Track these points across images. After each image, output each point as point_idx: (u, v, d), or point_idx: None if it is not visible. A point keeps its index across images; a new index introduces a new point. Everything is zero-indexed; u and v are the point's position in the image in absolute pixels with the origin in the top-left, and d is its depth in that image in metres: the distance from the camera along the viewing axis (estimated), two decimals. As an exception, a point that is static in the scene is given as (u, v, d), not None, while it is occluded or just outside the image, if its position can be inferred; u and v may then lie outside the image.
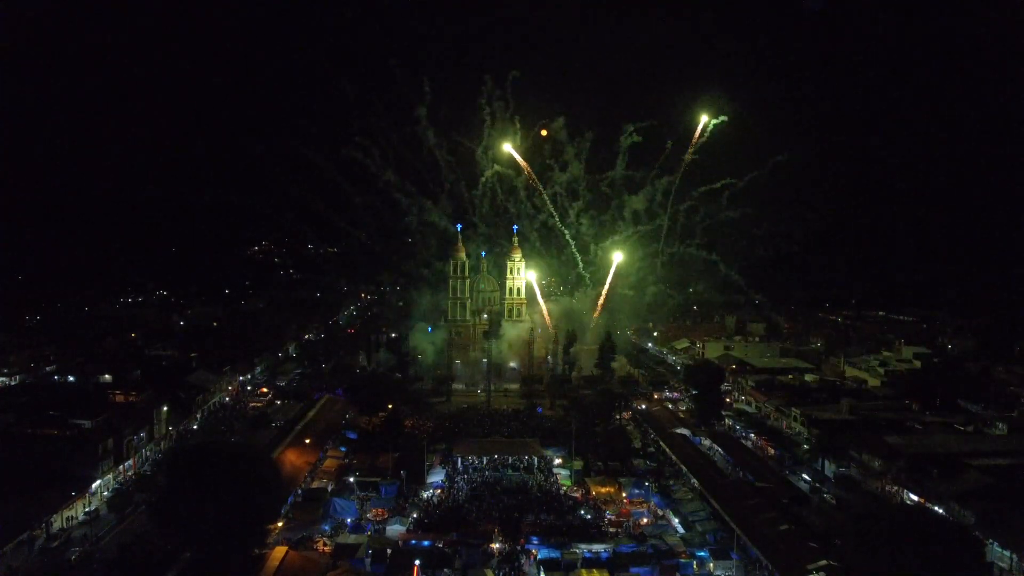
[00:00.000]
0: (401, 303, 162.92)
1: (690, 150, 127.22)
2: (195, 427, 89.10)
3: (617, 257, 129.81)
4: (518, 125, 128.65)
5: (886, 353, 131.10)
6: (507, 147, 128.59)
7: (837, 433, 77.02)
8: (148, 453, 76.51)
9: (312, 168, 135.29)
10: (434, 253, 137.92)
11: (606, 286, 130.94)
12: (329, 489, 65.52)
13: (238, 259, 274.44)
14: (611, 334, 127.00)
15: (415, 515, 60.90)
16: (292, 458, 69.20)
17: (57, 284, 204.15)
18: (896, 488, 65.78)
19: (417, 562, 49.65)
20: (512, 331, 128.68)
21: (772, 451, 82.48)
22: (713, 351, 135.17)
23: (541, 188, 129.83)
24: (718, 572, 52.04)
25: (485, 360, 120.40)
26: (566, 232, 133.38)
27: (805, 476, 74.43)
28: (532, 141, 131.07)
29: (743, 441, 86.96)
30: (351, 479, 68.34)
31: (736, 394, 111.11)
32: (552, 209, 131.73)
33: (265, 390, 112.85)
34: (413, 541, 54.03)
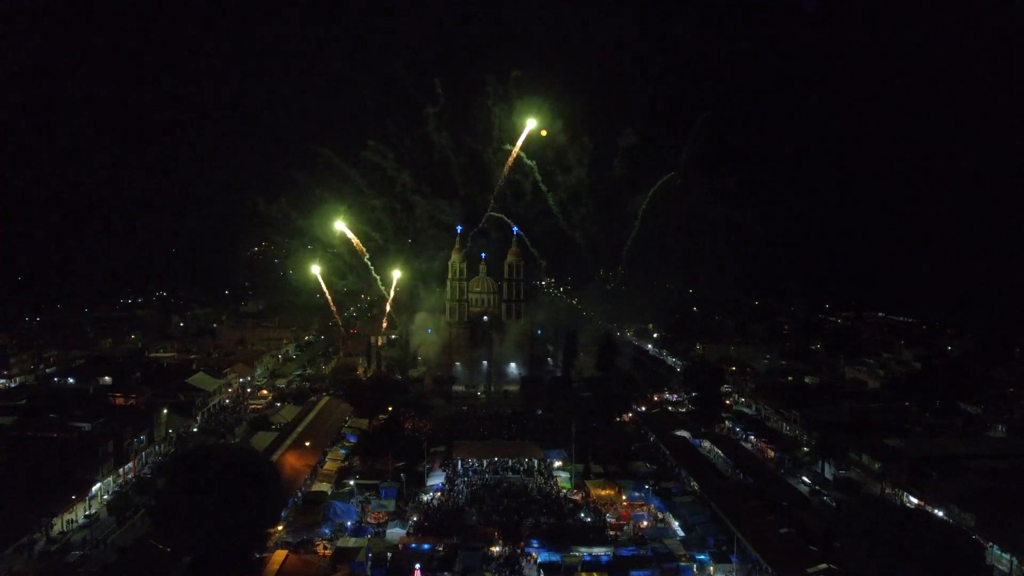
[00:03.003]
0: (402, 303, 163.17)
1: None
2: (195, 430, 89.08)
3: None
4: (517, 125, 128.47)
5: (886, 355, 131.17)
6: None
7: (837, 435, 77.06)
8: (148, 456, 76.51)
9: (318, 168, 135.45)
10: (438, 253, 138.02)
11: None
12: (329, 492, 65.50)
13: (238, 259, 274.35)
14: (611, 335, 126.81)
15: (415, 518, 60.83)
16: (292, 461, 69.15)
17: (57, 285, 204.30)
18: (896, 490, 65.87)
19: (417, 566, 49.65)
20: (512, 332, 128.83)
21: (772, 453, 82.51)
22: (713, 352, 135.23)
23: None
24: (718, 575, 52.08)
25: (485, 361, 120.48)
26: (576, 234, 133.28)
27: (805, 478, 74.47)
28: (536, 142, 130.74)
29: (743, 443, 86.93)
30: (351, 482, 68.31)
31: (736, 396, 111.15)
32: (557, 210, 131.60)
33: (265, 392, 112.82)
34: (413, 544, 54.01)
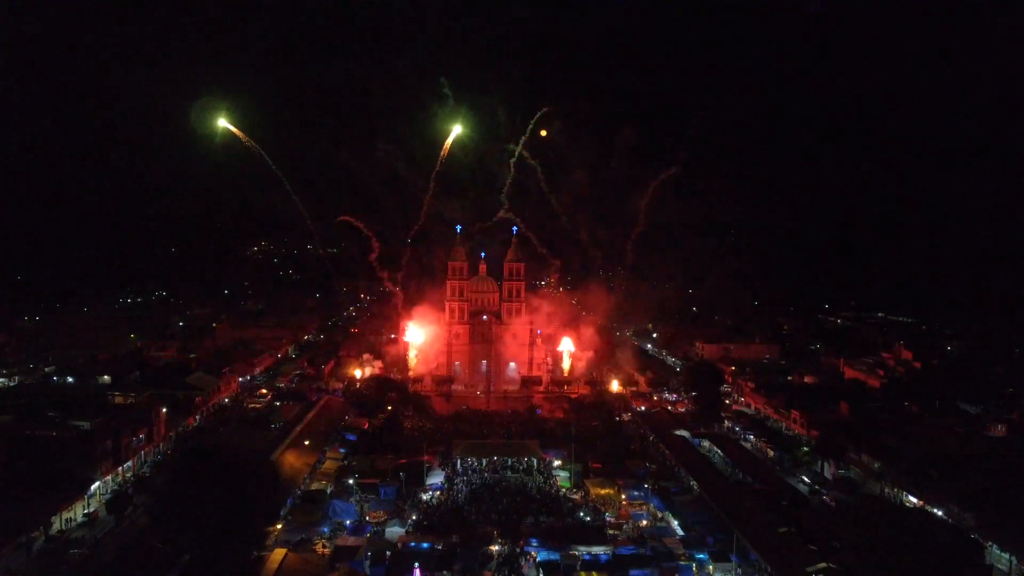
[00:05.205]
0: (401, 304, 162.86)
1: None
2: (195, 428, 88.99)
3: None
4: (519, 123, 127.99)
5: (886, 355, 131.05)
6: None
7: (836, 435, 77.02)
8: (147, 455, 76.45)
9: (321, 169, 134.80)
10: (439, 252, 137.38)
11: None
12: (328, 491, 65.47)
13: (238, 259, 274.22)
14: (611, 335, 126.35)
15: (414, 517, 60.86)
16: (291, 460, 69.21)
17: (57, 285, 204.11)
18: (896, 490, 65.84)
19: (416, 564, 49.62)
20: (511, 331, 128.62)
21: (771, 453, 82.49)
22: (713, 352, 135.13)
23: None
24: (717, 575, 52.03)
25: (485, 361, 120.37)
26: (579, 234, 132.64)
27: (804, 478, 74.46)
28: (538, 143, 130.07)
29: (742, 443, 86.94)
30: (350, 481, 68.28)
31: (736, 395, 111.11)
32: (560, 210, 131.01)
33: (264, 391, 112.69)
34: (412, 543, 54.00)
